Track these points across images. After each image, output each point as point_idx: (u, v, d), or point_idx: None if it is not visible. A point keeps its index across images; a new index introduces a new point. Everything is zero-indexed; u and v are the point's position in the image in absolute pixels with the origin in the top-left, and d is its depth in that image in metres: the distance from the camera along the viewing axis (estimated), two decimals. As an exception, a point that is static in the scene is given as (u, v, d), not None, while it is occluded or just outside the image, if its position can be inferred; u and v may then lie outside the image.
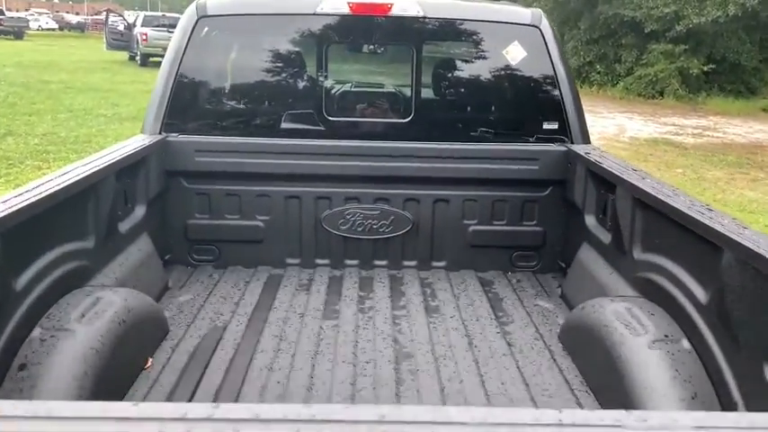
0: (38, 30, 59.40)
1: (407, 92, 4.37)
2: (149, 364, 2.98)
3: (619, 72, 26.61)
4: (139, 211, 3.76)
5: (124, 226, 3.56)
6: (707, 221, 2.50)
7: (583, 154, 3.86)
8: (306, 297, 3.81)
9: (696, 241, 2.59)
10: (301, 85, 4.46)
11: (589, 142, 4.21)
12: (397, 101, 4.66)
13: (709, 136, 17.07)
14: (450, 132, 4.28)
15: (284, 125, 4.25)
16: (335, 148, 4.11)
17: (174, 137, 4.05)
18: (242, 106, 4.40)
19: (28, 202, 2.48)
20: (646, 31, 25.17)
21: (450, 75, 4.62)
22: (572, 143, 4.14)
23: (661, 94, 24.79)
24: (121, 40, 31.34)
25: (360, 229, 4.20)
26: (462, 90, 4.63)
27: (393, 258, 4.26)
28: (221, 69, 4.36)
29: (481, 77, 4.42)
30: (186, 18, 4.13)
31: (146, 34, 28.61)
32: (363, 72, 5.62)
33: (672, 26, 24.31)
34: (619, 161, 3.73)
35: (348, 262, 4.26)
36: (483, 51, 4.33)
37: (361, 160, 4.11)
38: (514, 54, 4.14)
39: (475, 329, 3.47)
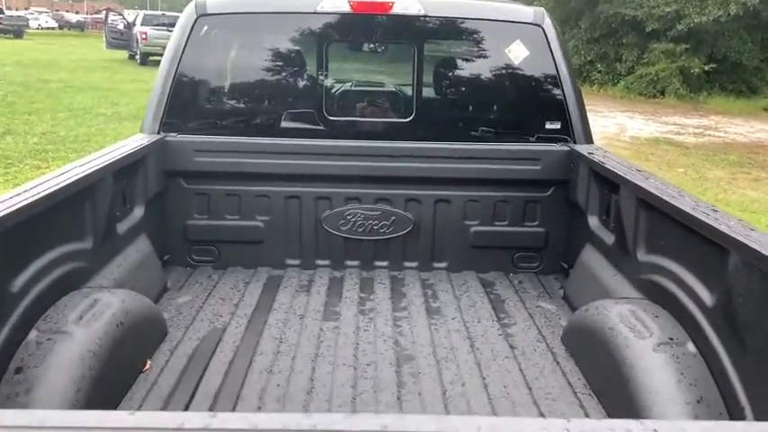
0: (37, 28, 59.30)
1: (408, 91, 4.34)
2: (148, 366, 2.95)
3: (620, 71, 26.56)
4: (138, 212, 3.73)
5: (122, 227, 3.53)
6: (713, 223, 2.47)
7: (586, 154, 3.83)
8: (306, 298, 3.78)
9: (701, 243, 2.55)
10: (301, 84, 4.43)
11: (592, 142, 4.17)
12: (398, 100, 4.62)
13: (710, 135, 17.03)
14: (452, 132, 4.25)
15: (284, 125, 4.21)
16: (336, 147, 4.08)
17: (173, 137, 4.02)
18: (241, 106, 4.36)
19: (25, 203, 2.45)
20: (647, 30, 25.12)
21: (451, 74, 4.58)
22: (575, 143, 4.10)
23: (662, 93, 24.75)
24: (121, 39, 31.32)
25: (360, 229, 4.16)
26: (464, 89, 4.59)
27: (394, 259, 4.23)
28: (221, 68, 4.32)
29: (483, 77, 4.38)
30: (185, 17, 4.09)
31: (145, 33, 28.57)
32: (364, 71, 5.58)
33: (673, 25, 24.26)
34: (622, 161, 3.70)
35: (348, 263, 4.22)
36: (485, 50, 4.29)
37: (362, 160, 4.08)
38: (517, 53, 4.11)
39: (477, 331, 3.43)
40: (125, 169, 3.50)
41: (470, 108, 4.46)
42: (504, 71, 4.24)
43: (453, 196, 4.15)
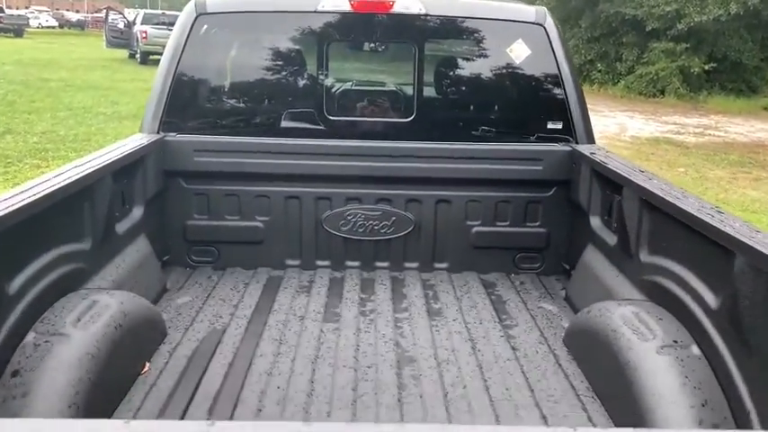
0: (38, 27, 59.28)
1: (409, 91, 4.31)
2: (146, 368, 2.92)
3: (620, 70, 26.55)
4: (137, 212, 3.70)
5: (121, 227, 3.50)
6: (717, 224, 2.44)
7: (588, 154, 3.80)
8: (306, 299, 3.75)
9: (706, 244, 2.53)
10: (301, 83, 4.40)
11: (594, 142, 4.15)
12: (399, 100, 4.60)
13: (710, 135, 17.01)
14: (453, 132, 4.23)
15: (284, 124, 4.19)
16: (336, 147, 4.06)
17: (173, 136, 3.99)
18: (241, 105, 4.34)
19: (23, 204, 2.43)
20: (647, 30, 25.10)
21: (452, 73, 4.55)
22: (576, 143, 4.08)
23: (662, 92, 24.73)
24: (121, 38, 31.30)
25: (361, 230, 4.14)
26: (465, 89, 4.56)
27: (394, 260, 4.20)
28: (220, 68, 4.30)
29: (484, 76, 4.36)
30: (185, 15, 4.06)
31: (145, 32, 28.54)
32: (364, 70, 5.56)
33: (673, 24, 24.24)
34: (625, 161, 3.67)
35: (349, 263, 4.20)
36: (486, 50, 4.27)
37: (362, 160, 4.05)
38: (518, 52, 4.08)
39: (478, 333, 3.41)
40: (124, 169, 3.47)
41: (471, 108, 4.44)
42: (505, 71, 4.21)
43: (454, 196, 4.12)
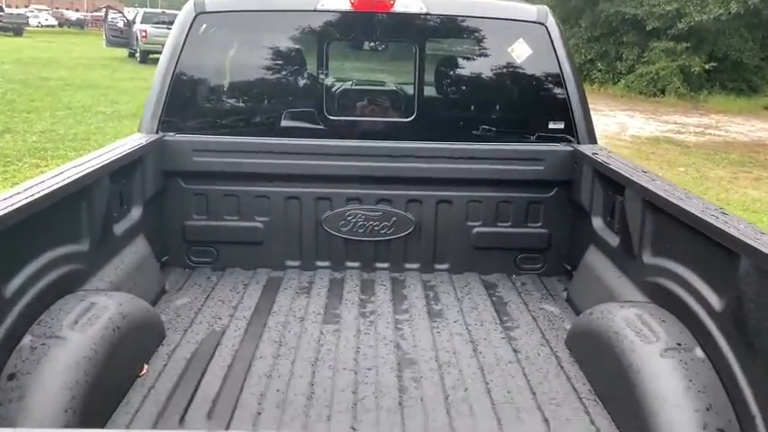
0: (37, 26, 59.26)
1: (410, 90, 4.29)
2: (145, 371, 2.90)
3: (620, 70, 26.54)
4: (136, 213, 3.68)
5: (120, 228, 3.48)
6: (722, 226, 2.42)
7: (590, 154, 3.77)
8: (306, 300, 3.73)
9: (710, 246, 2.50)
10: (301, 83, 4.37)
11: (596, 142, 4.12)
12: (399, 99, 4.57)
13: (711, 134, 17.00)
14: (454, 132, 4.20)
15: (284, 124, 4.16)
16: (336, 147, 4.03)
17: (172, 136, 3.97)
18: (241, 105, 4.31)
19: (20, 204, 2.40)
20: (647, 29, 25.11)
21: (453, 73, 4.52)
22: (578, 143, 4.05)
23: (662, 92, 24.73)
24: (121, 37, 31.29)
25: (361, 230, 4.11)
26: (466, 89, 4.53)
27: (395, 260, 4.18)
28: (220, 67, 4.27)
29: (485, 76, 4.33)
30: (184, 15, 4.03)
31: (145, 31, 28.52)
32: (365, 70, 5.53)
33: (673, 24, 24.24)
34: (627, 162, 3.65)
35: (349, 264, 4.17)
36: (487, 49, 4.24)
37: (363, 160, 4.03)
38: (520, 52, 4.06)
39: (479, 335, 3.38)
40: (122, 169, 3.45)
41: (472, 107, 4.41)
42: (506, 70, 4.19)
43: (455, 197, 4.09)
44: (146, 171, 3.74)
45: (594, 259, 3.68)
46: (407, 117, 4.20)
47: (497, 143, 4.10)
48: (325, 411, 2.66)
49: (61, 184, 2.75)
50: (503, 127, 4.23)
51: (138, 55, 29.48)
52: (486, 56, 4.27)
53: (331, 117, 4.14)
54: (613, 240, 3.51)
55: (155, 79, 4.00)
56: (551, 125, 4.09)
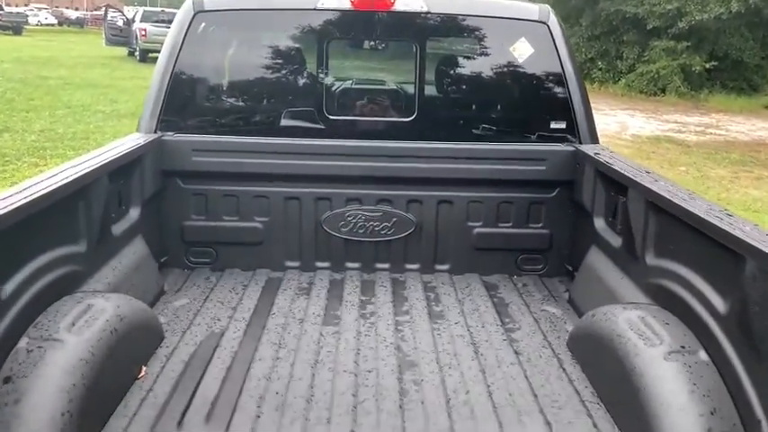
0: (37, 25, 59.25)
1: (410, 90, 4.26)
2: (143, 373, 2.87)
3: (620, 69, 26.53)
4: (134, 213, 3.65)
5: (118, 228, 3.45)
6: (727, 228, 2.39)
7: (592, 154, 3.74)
8: (306, 302, 3.70)
9: (715, 248, 2.47)
10: (301, 82, 4.35)
11: (597, 142, 4.09)
12: (400, 99, 4.55)
13: (711, 134, 16.98)
14: (455, 132, 4.17)
15: (283, 124, 4.14)
16: (336, 147, 4.00)
17: (171, 136, 3.94)
18: (240, 104, 4.28)
19: (16, 205, 2.37)
20: (648, 28, 25.10)
21: (454, 72, 4.49)
22: (580, 143, 4.02)
23: (663, 91, 24.72)
24: (120, 36, 31.25)
25: (361, 231, 4.08)
26: (467, 88, 4.50)
27: (395, 261, 4.15)
28: (219, 66, 4.24)
29: (486, 75, 4.30)
30: (182, 13, 4.00)
31: (145, 30, 28.48)
32: (365, 69, 5.50)
33: (674, 23, 24.23)
34: (630, 162, 3.62)
35: (349, 265, 4.14)
36: (488, 48, 4.21)
37: (363, 160, 4.00)
38: (521, 51, 4.02)
39: (480, 336, 3.35)
40: (121, 169, 3.42)
41: (473, 107, 4.37)
42: (508, 69, 4.15)
43: (456, 197, 4.06)
44: (144, 171, 3.71)
45: (596, 260, 3.65)
46: (408, 117, 4.17)
47: (498, 143, 4.07)
48: (325, 414, 2.63)
49: (59, 184, 2.72)
50: (504, 127, 4.20)
51: (137, 54, 29.44)
52: (487, 55, 4.24)
53: (331, 117, 4.11)
54: (615, 241, 3.49)
55: (153, 78, 3.97)
56: (553, 125, 4.06)
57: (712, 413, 2.27)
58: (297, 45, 4.24)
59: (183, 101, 4.04)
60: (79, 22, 67.63)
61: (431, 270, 4.15)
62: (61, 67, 23.48)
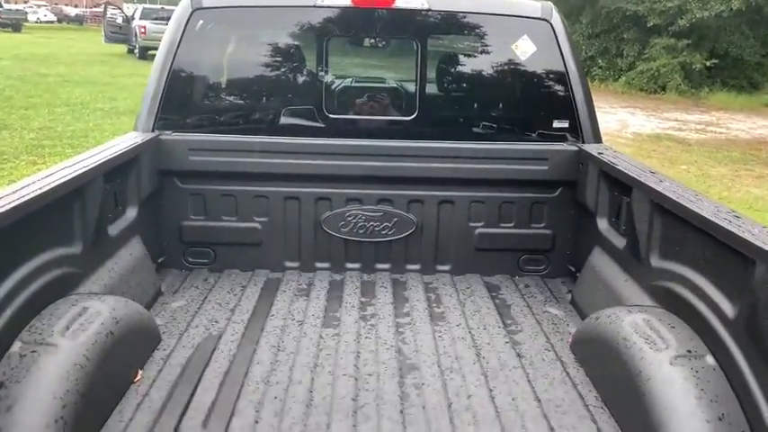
0: (36, 22, 59.11)
1: (411, 88, 4.21)
2: (139, 377, 2.82)
3: (621, 67, 26.49)
4: (131, 213, 3.60)
5: (114, 229, 3.40)
6: (735, 230, 2.34)
7: (595, 154, 3.69)
8: (305, 303, 3.65)
9: (722, 250, 2.42)
10: (300, 80, 4.29)
11: (601, 141, 4.04)
12: (401, 97, 4.50)
13: (712, 132, 16.94)
14: (456, 131, 4.13)
15: (282, 123, 4.09)
16: (336, 146, 3.95)
17: (168, 135, 3.89)
18: (239, 103, 4.23)
19: (10, 206, 2.33)
20: (648, 26, 25.05)
21: (455, 70, 4.43)
22: (583, 142, 3.98)
23: (663, 89, 24.67)
24: (120, 33, 31.15)
25: (361, 231, 4.04)
26: (468, 86, 4.44)
27: (396, 262, 4.10)
28: (217, 64, 4.19)
29: (488, 73, 4.25)
30: (180, 10, 3.94)
31: (144, 27, 28.41)
32: (365, 67, 5.45)
33: (674, 20, 24.18)
34: (634, 162, 3.57)
35: (349, 265, 4.10)
36: (490, 46, 4.16)
37: (363, 160, 3.95)
38: (524, 49, 3.97)
39: (482, 339, 3.30)
40: (117, 169, 3.37)
41: (475, 106, 4.32)
42: (510, 68, 4.10)
43: (457, 197, 4.02)
44: (141, 171, 3.67)
45: (600, 261, 3.61)
46: (409, 115, 4.12)
47: (500, 142, 4.03)
48: (325, 420, 2.58)
49: (53, 184, 2.68)
50: (506, 126, 4.16)
51: (137, 51, 29.36)
52: (489, 53, 4.19)
53: (331, 115, 4.07)
54: (619, 242, 3.44)
55: (151, 77, 3.91)
56: (556, 124, 4.01)
57: (720, 419, 2.23)
58: (296, 42, 4.19)
59: (181, 99, 3.99)
60: (78, 20, 67.54)
61: (432, 271, 4.11)
62: (60, 65, 23.42)
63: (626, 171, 3.31)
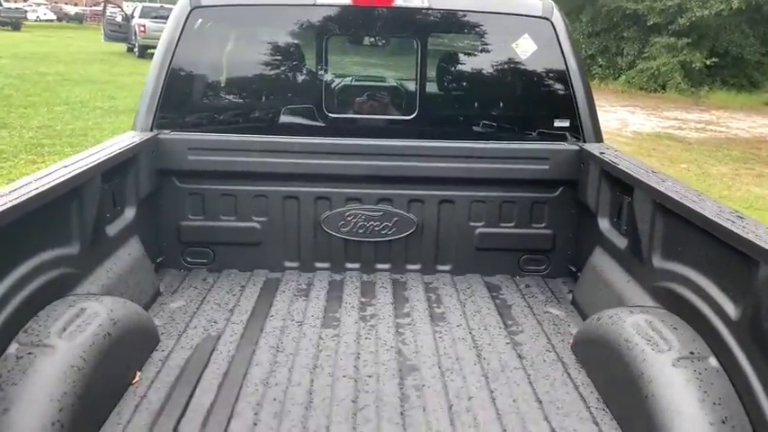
0: (36, 20, 59.01)
1: (411, 87, 4.19)
2: (137, 378, 2.80)
3: (621, 65, 26.44)
4: (129, 213, 3.57)
5: (112, 229, 3.37)
6: (739, 231, 2.31)
7: (597, 154, 3.67)
8: (304, 303, 3.63)
9: (725, 251, 2.40)
10: (300, 79, 4.27)
11: (602, 140, 4.02)
12: (401, 96, 4.48)
13: (712, 130, 16.91)
14: (457, 130, 4.11)
15: (282, 122, 4.06)
16: (336, 146, 3.93)
17: (167, 134, 3.86)
18: (238, 102, 4.21)
19: (6, 206, 2.30)
20: (648, 24, 25.01)
21: (456, 69, 4.41)
22: (584, 141, 3.95)
23: (663, 87, 24.64)
24: (119, 32, 31.06)
25: (361, 231, 4.01)
26: (469, 85, 4.42)
27: (396, 262, 4.08)
28: (216, 63, 4.16)
29: (489, 72, 4.22)
30: (179, 9, 3.92)
31: (144, 25, 28.35)
32: (365, 65, 5.43)
33: (674, 19, 24.15)
34: (636, 161, 3.54)
35: (349, 265, 4.07)
36: (491, 45, 4.14)
37: (363, 159, 3.92)
38: (524, 47, 3.95)
39: (483, 340, 3.28)
40: (115, 169, 3.34)
41: (476, 105, 4.30)
42: (510, 66, 4.08)
43: (458, 197, 3.99)
44: (139, 170, 3.64)
45: (601, 261, 3.58)
46: (409, 114, 4.10)
47: (501, 141, 4.00)
48: (324, 422, 2.56)
49: (51, 184, 2.66)
50: (507, 125, 4.14)
51: (136, 50, 29.31)
52: (489, 52, 4.16)
53: (330, 114, 4.04)
54: (621, 242, 3.41)
55: (149, 76, 3.89)
56: (557, 123, 3.99)
57: (723, 422, 2.21)
58: (296, 41, 4.17)
59: (180, 98, 3.97)
60: (78, 18, 67.42)
61: (432, 271, 4.08)
62: (59, 63, 23.38)
63: (627, 171, 3.29)
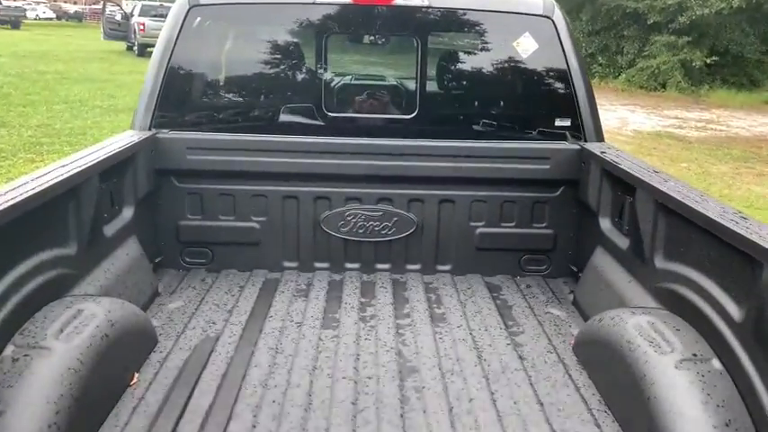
0: (35, 19, 58.90)
1: (412, 86, 4.16)
2: (135, 380, 2.78)
3: (621, 64, 26.41)
4: (127, 213, 3.55)
5: (110, 229, 3.35)
6: (742, 231, 2.29)
7: (598, 153, 3.65)
8: (304, 304, 3.61)
9: (729, 252, 2.38)
10: (299, 78, 4.25)
11: (603, 140, 4.00)
12: (401, 95, 4.45)
13: (712, 129, 16.89)
14: (457, 129, 4.09)
15: (281, 121, 4.04)
16: (335, 145, 3.90)
17: (165, 133, 3.84)
18: (237, 101, 4.19)
19: (3, 207, 2.28)
20: (648, 23, 24.99)
21: (456, 68, 4.39)
22: (585, 141, 3.93)
23: (663, 86, 24.61)
24: (119, 30, 31.04)
25: (361, 230, 3.99)
26: (470, 84, 4.40)
27: (396, 262, 4.05)
28: (215, 62, 4.14)
29: (489, 71, 4.20)
30: (177, 7, 3.90)
31: (143, 24, 28.32)
32: (365, 64, 5.40)
33: (675, 18, 24.12)
34: (638, 161, 3.52)
35: (348, 266, 4.05)
36: (492, 43, 4.12)
37: (363, 158, 3.90)
38: (525, 46, 3.93)
39: (484, 341, 3.26)
40: (113, 168, 3.32)
41: (476, 104, 4.28)
42: (511, 65, 4.06)
43: (458, 196, 3.97)
44: (138, 170, 3.62)
45: (602, 262, 3.56)
46: (409, 114, 4.08)
47: (502, 141, 3.98)
48: (324, 424, 2.54)
49: (48, 184, 2.63)
50: (507, 124, 4.12)
51: (135, 48, 29.28)
52: (490, 50, 4.14)
53: (330, 113, 4.02)
54: (622, 243, 3.39)
55: (147, 74, 3.87)
56: (557, 122, 3.97)
57: (727, 424, 2.18)
58: (295, 40, 4.14)
59: (179, 97, 3.95)
60: (77, 17, 67.32)
61: (432, 271, 4.06)
62: (59, 62, 23.34)
63: (629, 170, 3.26)
